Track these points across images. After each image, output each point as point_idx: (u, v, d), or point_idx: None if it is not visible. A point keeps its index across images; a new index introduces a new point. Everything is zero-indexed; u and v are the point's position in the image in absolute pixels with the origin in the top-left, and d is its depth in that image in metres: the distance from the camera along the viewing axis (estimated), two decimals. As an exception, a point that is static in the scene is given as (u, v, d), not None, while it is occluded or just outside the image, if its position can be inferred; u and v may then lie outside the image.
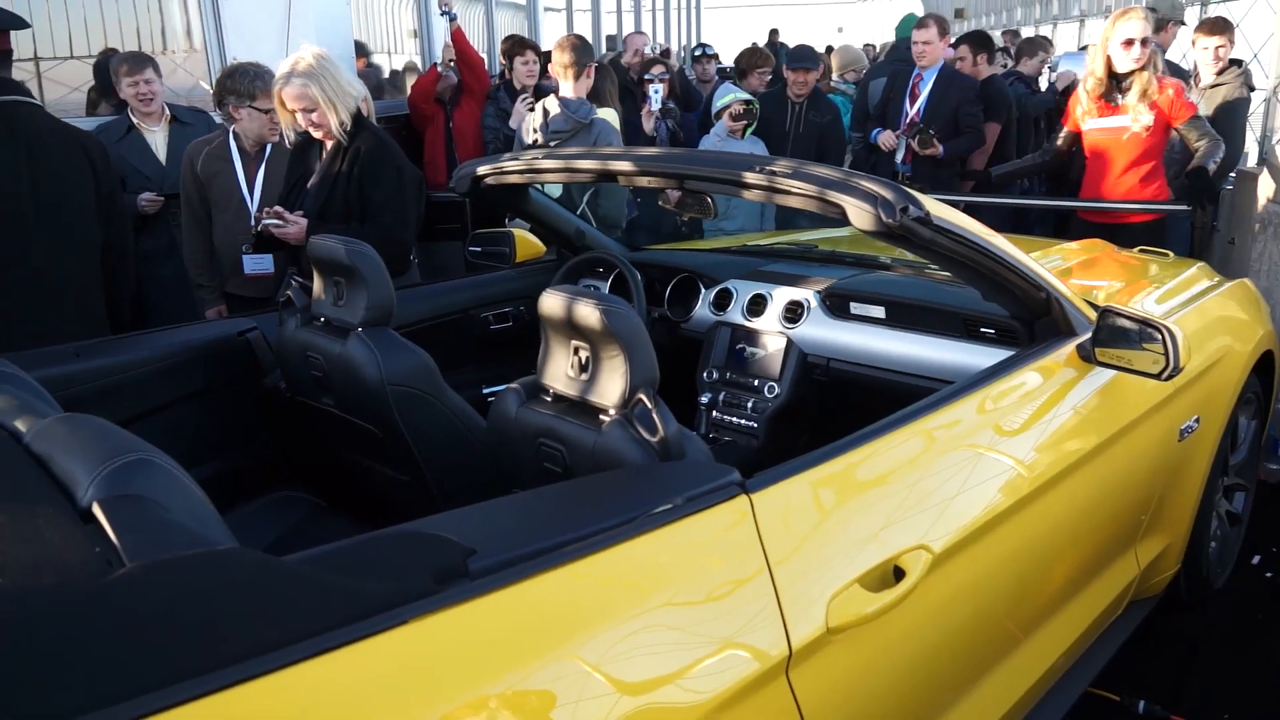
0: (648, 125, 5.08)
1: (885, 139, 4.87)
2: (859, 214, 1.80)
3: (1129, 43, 3.73)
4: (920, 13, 6.93)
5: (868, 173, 1.90)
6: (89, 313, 2.65)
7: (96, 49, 4.99)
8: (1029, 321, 2.11)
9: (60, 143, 2.58)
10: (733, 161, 2.09)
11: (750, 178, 1.99)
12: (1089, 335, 2.02)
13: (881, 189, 1.80)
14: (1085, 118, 3.96)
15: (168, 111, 4.06)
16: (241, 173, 3.48)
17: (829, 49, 8.12)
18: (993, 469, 1.78)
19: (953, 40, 5.47)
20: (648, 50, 6.59)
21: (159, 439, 2.21)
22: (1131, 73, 3.77)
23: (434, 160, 5.28)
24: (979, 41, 5.62)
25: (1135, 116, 3.80)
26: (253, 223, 3.05)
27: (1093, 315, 2.07)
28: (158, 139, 4.03)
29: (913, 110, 4.86)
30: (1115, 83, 3.84)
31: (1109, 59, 3.81)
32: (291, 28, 4.59)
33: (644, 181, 2.29)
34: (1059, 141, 4.15)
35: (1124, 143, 3.87)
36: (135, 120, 3.99)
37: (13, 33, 2.55)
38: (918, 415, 1.70)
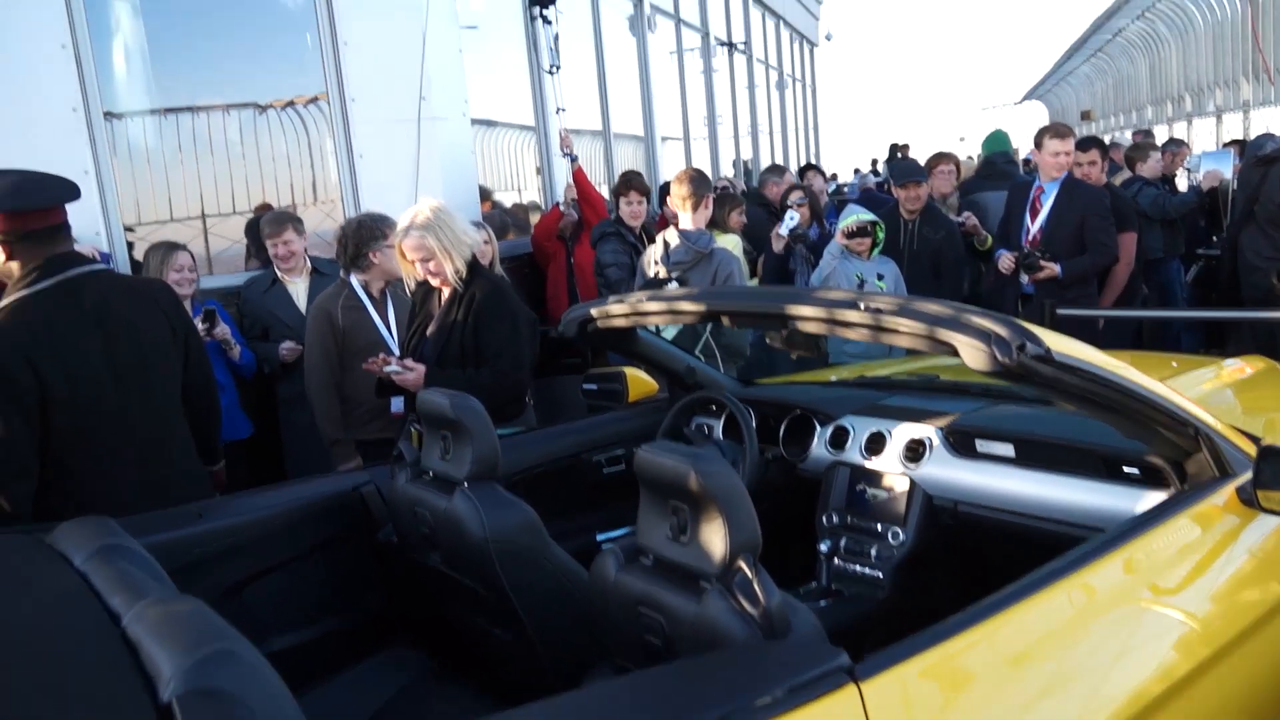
0: (776, 246, 5.11)
1: (1003, 263, 4.59)
2: (973, 353, 1.71)
3: None
4: (1044, 119, 6.81)
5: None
6: (176, 469, 2.62)
7: (256, 203, 5.41)
8: (1177, 461, 1.92)
9: (131, 304, 2.56)
10: (836, 300, 2.02)
11: (854, 317, 1.92)
12: (1249, 476, 1.81)
13: (995, 325, 1.70)
14: None
15: (309, 264, 4.32)
16: (378, 318, 3.62)
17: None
18: (1154, 637, 1.59)
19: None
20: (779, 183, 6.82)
21: (276, 598, 2.25)
22: None
23: (556, 296, 5.41)
24: (1104, 146, 5.44)
25: None
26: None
27: (1253, 450, 1.87)
28: (299, 290, 4.29)
29: (1035, 227, 4.60)
30: None
31: None
32: (420, 178, 4.86)
33: (748, 321, 2.24)
34: None
35: None
36: (279, 273, 4.26)
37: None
38: (1056, 576, 1.54)
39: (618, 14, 8.19)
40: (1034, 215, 4.63)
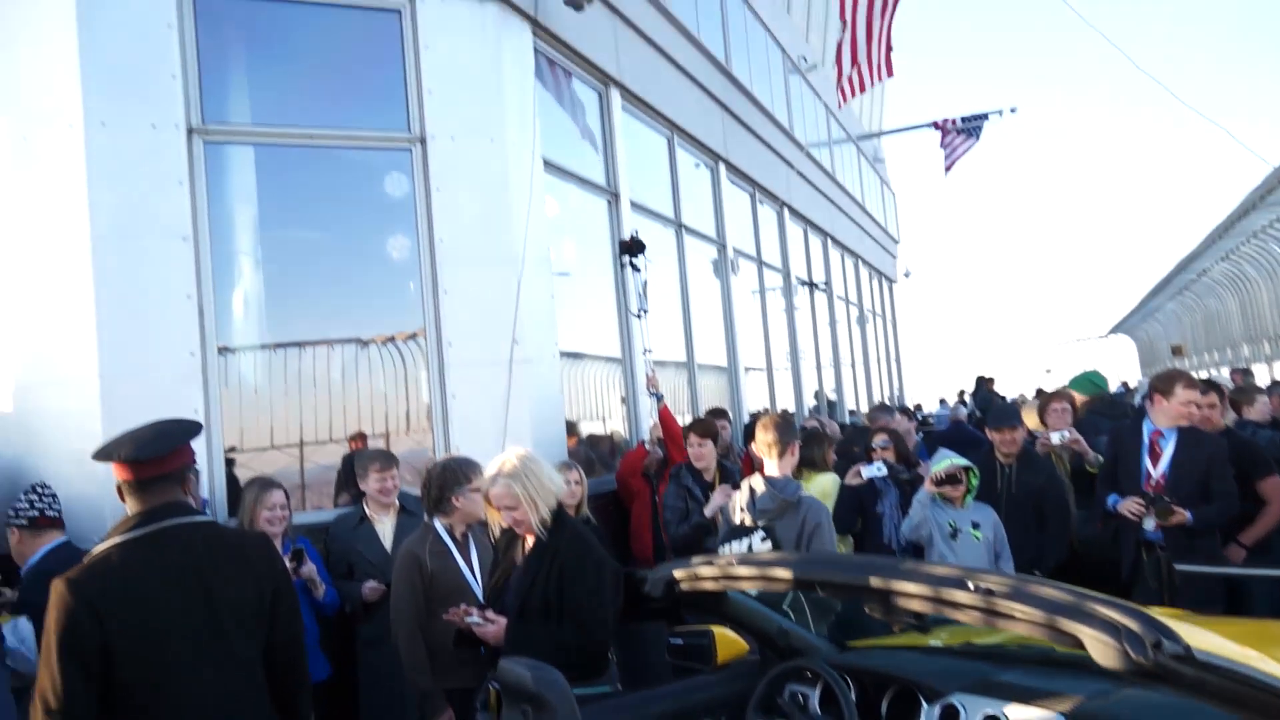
0: (852, 480, 5.07)
1: (1131, 507, 4.32)
2: (1100, 648, 1.57)
3: None
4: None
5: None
6: None
7: (351, 432, 5.57)
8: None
9: (221, 560, 2.53)
10: (943, 578, 1.90)
11: (963, 598, 1.81)
12: None
13: (1125, 618, 1.57)
14: None
15: (397, 502, 4.36)
16: (463, 563, 3.58)
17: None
18: None
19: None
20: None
21: None
22: None
23: (640, 534, 5.33)
24: (1221, 389, 5.28)
25: None
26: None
27: None
28: (386, 529, 4.32)
29: (1157, 472, 4.38)
30: None
31: None
32: (510, 417, 4.96)
33: (843, 594, 2.13)
34: None
35: None
36: (369, 511, 4.31)
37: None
38: None
39: (703, 258, 8.57)
40: (1154, 460, 4.43)
